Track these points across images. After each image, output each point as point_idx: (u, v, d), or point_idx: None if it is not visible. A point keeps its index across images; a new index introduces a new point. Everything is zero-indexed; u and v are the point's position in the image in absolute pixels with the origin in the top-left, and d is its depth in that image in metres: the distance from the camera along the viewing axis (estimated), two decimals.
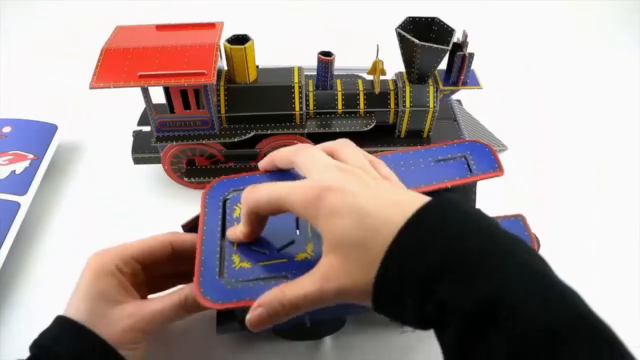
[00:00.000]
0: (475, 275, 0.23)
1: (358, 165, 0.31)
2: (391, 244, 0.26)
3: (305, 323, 0.38)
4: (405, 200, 0.28)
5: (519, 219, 0.40)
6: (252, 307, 0.29)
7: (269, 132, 0.50)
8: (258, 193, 0.31)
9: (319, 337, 0.41)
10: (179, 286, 0.36)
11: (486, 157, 0.38)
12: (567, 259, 0.49)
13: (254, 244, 0.34)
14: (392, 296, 0.26)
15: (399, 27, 0.48)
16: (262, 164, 0.37)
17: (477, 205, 0.40)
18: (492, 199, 0.54)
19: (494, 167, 0.37)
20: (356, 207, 0.27)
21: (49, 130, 0.58)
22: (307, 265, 0.31)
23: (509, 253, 0.24)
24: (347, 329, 0.41)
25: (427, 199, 0.27)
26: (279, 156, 0.35)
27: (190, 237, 0.36)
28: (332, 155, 0.33)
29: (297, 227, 0.35)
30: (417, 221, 0.26)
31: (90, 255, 0.35)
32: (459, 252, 0.24)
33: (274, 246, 0.34)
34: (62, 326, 0.32)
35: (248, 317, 0.29)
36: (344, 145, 0.34)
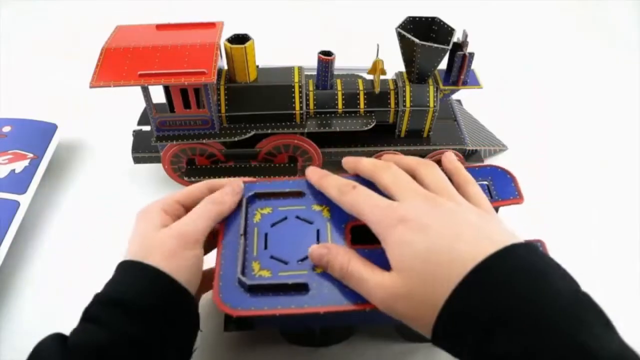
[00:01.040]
0: (534, 330, 0.24)
1: (441, 189, 0.32)
2: (460, 283, 0.26)
3: (315, 331, 0.39)
4: (482, 237, 0.28)
5: (539, 245, 0.40)
6: (321, 245, 0.33)
7: (269, 131, 0.50)
8: (349, 196, 0.33)
9: (326, 344, 0.41)
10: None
11: (507, 184, 0.39)
12: (567, 258, 0.48)
13: (275, 253, 0.34)
14: (454, 334, 0.27)
15: (399, 26, 0.48)
16: (348, 164, 0.38)
17: None
18: None
19: (514, 195, 0.38)
20: (425, 244, 0.28)
21: (49, 129, 0.58)
22: (327, 278, 0.32)
23: (573, 318, 0.25)
24: (353, 337, 0.41)
25: (504, 240, 0.28)
26: (362, 168, 0.36)
27: (225, 181, 0.38)
28: (412, 174, 0.34)
29: (318, 239, 0.34)
30: (489, 266, 0.26)
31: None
32: (524, 306, 0.25)
33: (294, 257, 0.33)
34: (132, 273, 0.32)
35: (314, 247, 0.33)
36: (427, 166, 0.35)
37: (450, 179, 0.34)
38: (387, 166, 0.34)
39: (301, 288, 0.32)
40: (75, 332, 0.30)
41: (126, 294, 0.30)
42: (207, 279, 0.35)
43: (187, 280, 0.32)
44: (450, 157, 0.37)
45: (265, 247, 0.34)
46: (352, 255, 0.32)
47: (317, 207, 0.36)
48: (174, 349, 0.31)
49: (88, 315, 0.30)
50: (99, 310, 0.30)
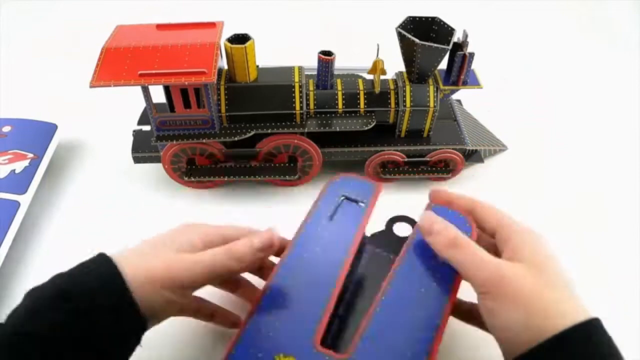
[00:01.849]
0: None
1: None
2: (540, 345, 0.28)
3: None
4: (561, 310, 0.29)
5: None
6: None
7: (269, 131, 0.50)
8: (455, 247, 0.33)
9: None
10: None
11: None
12: (567, 258, 0.48)
13: None
14: None
15: (399, 26, 0.48)
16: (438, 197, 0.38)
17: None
18: (492, 198, 0.54)
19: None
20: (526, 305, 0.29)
21: (49, 129, 0.58)
22: None
23: None
24: None
25: (580, 315, 0.29)
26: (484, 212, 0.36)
27: (265, 235, 0.35)
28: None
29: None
30: (565, 337, 0.28)
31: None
32: None
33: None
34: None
35: (427, 213, 0.35)
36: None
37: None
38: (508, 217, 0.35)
39: None
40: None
41: (75, 286, 0.30)
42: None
43: (147, 306, 0.30)
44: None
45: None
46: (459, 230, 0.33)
47: None
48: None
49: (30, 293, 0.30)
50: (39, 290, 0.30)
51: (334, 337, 0.34)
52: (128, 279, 0.30)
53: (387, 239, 0.42)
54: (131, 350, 0.31)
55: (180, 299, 0.32)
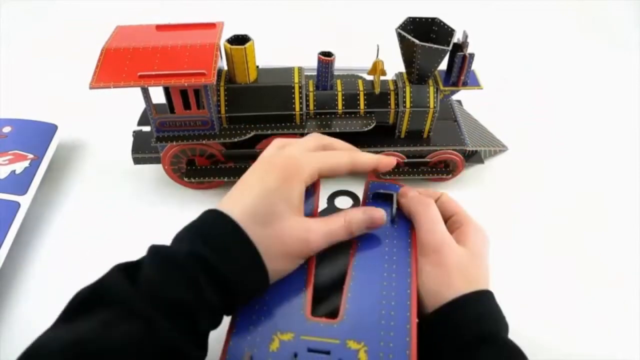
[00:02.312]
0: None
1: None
2: (463, 296, 0.33)
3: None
4: (472, 285, 0.34)
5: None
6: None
7: (269, 132, 0.50)
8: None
9: None
10: (342, 211, 0.37)
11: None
12: (567, 258, 0.49)
13: None
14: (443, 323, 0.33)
15: (399, 27, 0.48)
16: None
17: (479, 203, 0.40)
18: (492, 198, 0.54)
19: None
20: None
21: (49, 130, 0.58)
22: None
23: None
24: None
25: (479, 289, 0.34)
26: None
27: (367, 157, 0.38)
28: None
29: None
30: (460, 299, 0.33)
31: (289, 157, 0.35)
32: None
33: None
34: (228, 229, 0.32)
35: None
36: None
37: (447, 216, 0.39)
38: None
39: None
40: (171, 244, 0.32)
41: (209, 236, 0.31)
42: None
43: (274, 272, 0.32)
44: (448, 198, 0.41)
45: None
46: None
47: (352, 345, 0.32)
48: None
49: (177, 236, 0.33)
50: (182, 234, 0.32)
51: (320, 306, 0.35)
52: (262, 255, 0.31)
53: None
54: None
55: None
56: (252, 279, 0.32)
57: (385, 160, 0.39)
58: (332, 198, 0.46)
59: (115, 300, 0.29)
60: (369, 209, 0.36)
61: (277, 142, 0.38)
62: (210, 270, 0.30)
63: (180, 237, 0.32)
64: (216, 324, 0.32)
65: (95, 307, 0.29)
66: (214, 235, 0.31)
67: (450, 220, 0.38)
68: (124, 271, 0.31)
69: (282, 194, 0.33)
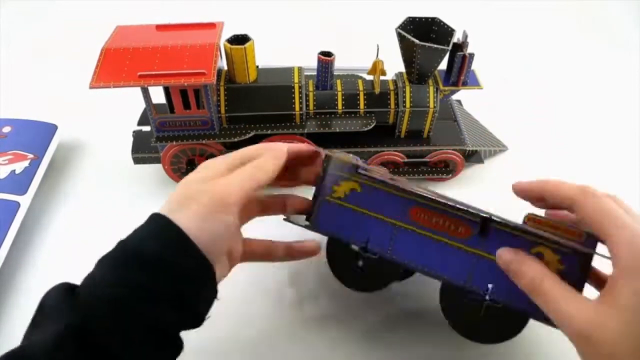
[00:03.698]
0: None
1: None
2: None
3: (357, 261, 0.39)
4: None
5: None
6: (511, 249, 0.32)
7: (269, 132, 0.50)
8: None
9: (368, 290, 0.40)
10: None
11: None
12: None
13: None
14: None
15: (399, 27, 0.48)
16: (521, 187, 0.35)
17: (479, 203, 0.39)
18: (492, 198, 0.54)
19: None
20: None
21: (49, 130, 0.58)
22: None
23: None
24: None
25: None
26: (553, 189, 0.32)
27: (277, 146, 0.37)
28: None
29: None
30: None
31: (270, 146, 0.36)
32: None
33: None
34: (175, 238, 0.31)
35: (504, 250, 0.33)
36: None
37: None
38: (591, 192, 0.32)
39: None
40: (87, 277, 0.31)
41: (143, 246, 0.31)
42: (248, 249, 0.37)
43: (209, 244, 0.31)
44: None
45: None
46: (547, 271, 0.30)
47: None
48: (175, 306, 0.30)
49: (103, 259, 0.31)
50: (113, 255, 0.31)
51: None
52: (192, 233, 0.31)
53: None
54: (209, 301, 0.32)
55: (232, 216, 0.32)
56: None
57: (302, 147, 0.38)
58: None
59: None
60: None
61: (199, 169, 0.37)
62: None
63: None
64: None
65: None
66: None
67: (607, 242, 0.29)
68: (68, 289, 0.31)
69: (218, 232, 0.32)
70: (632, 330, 0.25)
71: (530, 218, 0.34)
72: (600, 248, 0.32)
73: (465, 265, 0.35)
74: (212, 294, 0.32)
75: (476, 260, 0.35)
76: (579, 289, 0.33)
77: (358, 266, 0.39)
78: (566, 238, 0.33)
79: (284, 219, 0.40)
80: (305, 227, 0.39)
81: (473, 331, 0.37)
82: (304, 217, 0.39)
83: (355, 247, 0.38)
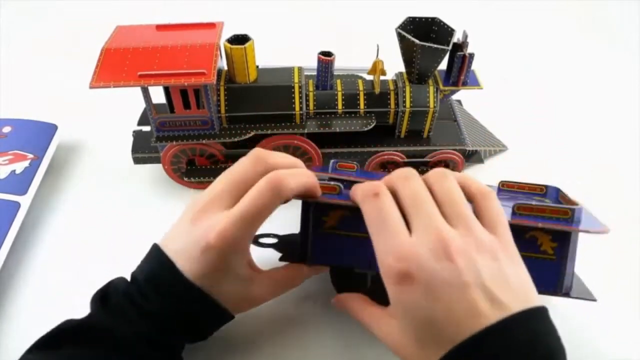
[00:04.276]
0: None
1: (457, 214, 0.29)
2: (463, 342, 0.26)
3: (365, 280, 0.39)
4: (485, 300, 0.26)
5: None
6: None
7: (269, 132, 0.50)
8: (366, 205, 0.31)
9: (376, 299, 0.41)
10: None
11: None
12: None
13: None
14: None
15: (399, 27, 0.48)
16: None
17: None
18: None
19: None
20: (426, 312, 0.27)
21: (49, 130, 0.58)
22: None
23: None
24: None
25: (508, 303, 0.26)
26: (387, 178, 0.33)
27: (295, 183, 0.34)
28: (429, 187, 0.31)
29: None
30: (494, 332, 0.26)
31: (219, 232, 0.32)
32: None
33: None
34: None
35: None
36: (443, 179, 0.31)
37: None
38: (408, 177, 0.31)
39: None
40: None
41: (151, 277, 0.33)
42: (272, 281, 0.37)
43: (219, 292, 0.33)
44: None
45: None
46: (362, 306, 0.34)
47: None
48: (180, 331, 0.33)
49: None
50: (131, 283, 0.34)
51: None
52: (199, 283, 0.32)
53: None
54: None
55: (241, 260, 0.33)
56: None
57: (311, 181, 0.34)
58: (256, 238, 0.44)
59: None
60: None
61: (192, 204, 0.35)
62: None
63: (141, 288, 0.33)
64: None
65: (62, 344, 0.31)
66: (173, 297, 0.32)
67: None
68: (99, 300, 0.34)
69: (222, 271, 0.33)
70: (407, 332, 0.29)
71: (503, 184, 0.41)
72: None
73: None
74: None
75: None
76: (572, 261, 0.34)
77: (367, 287, 0.39)
78: (555, 219, 0.33)
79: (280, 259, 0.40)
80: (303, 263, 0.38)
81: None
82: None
83: (358, 270, 0.39)
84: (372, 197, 0.30)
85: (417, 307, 0.27)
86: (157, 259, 0.33)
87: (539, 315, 0.27)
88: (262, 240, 0.43)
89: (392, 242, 0.28)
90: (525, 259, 0.30)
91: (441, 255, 0.27)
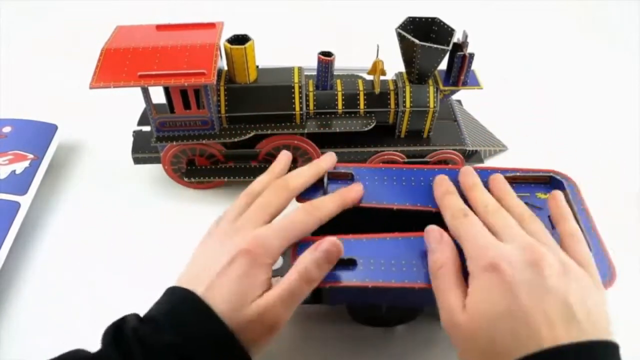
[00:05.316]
0: None
1: (541, 236, 0.31)
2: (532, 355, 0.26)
3: (381, 308, 0.39)
4: (561, 320, 0.26)
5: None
6: (439, 230, 0.34)
7: (269, 132, 0.50)
8: (457, 222, 0.34)
9: (390, 324, 0.42)
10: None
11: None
12: None
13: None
14: None
15: (399, 27, 0.48)
16: (464, 180, 0.39)
17: None
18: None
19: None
20: (503, 307, 0.28)
21: (49, 130, 0.58)
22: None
23: None
24: (420, 320, 0.42)
25: (582, 330, 0.26)
26: (471, 196, 0.36)
27: (331, 207, 0.36)
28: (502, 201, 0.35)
29: (552, 226, 0.35)
30: (567, 352, 0.25)
31: (254, 238, 0.33)
32: None
33: None
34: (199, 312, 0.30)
35: (434, 227, 0.34)
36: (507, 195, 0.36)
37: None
38: (496, 208, 0.34)
39: (351, 263, 0.33)
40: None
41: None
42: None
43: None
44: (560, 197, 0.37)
45: None
46: (451, 260, 0.32)
47: (541, 195, 0.39)
48: None
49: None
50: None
51: None
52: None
53: None
54: None
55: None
56: None
57: (352, 194, 0.37)
58: None
59: None
60: (318, 243, 0.32)
61: (227, 215, 0.36)
62: None
63: (158, 325, 0.30)
64: None
65: None
66: (197, 332, 0.29)
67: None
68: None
69: (251, 281, 0.31)
70: (474, 336, 0.28)
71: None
72: None
73: None
74: None
75: None
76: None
77: (382, 314, 0.40)
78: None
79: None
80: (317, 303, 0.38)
81: (376, 322, 0.41)
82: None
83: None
84: (462, 217, 0.34)
85: (495, 299, 0.28)
86: (183, 299, 0.31)
87: (612, 351, 0.27)
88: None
89: (488, 246, 0.31)
90: None
91: (532, 262, 0.28)
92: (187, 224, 0.42)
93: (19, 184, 0.51)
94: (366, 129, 0.50)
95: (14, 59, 0.75)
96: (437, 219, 0.36)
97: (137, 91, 0.46)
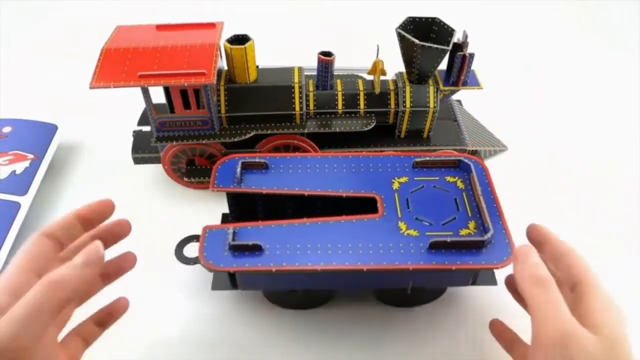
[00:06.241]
0: None
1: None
2: None
3: (297, 293, 0.41)
4: None
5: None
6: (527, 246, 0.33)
7: (269, 132, 0.50)
8: (537, 291, 0.31)
9: (306, 307, 0.43)
10: None
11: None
12: None
13: (418, 214, 0.38)
14: None
15: (399, 27, 0.48)
16: (534, 235, 0.37)
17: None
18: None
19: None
20: None
21: (49, 130, 0.58)
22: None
23: None
24: (338, 301, 0.43)
25: None
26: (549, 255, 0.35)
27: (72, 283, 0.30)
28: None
29: (457, 208, 0.38)
30: None
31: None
32: None
33: (437, 219, 0.37)
34: None
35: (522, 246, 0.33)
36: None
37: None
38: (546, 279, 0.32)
39: (256, 249, 0.35)
40: None
41: None
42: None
43: None
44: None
45: (409, 208, 0.38)
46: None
47: (450, 179, 0.41)
48: None
49: None
50: None
51: None
52: None
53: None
54: None
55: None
56: None
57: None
58: (180, 247, 0.42)
59: None
60: (84, 250, 0.30)
61: None
62: None
63: None
64: None
65: None
66: None
67: (576, 289, 0.31)
68: None
69: None
70: (602, 350, 0.27)
71: (417, 163, 0.41)
72: None
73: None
74: None
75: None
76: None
77: (298, 296, 0.41)
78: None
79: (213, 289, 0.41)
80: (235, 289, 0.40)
81: (402, 302, 0.43)
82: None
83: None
84: (543, 285, 0.31)
85: None
86: None
87: None
88: (188, 254, 0.41)
89: (561, 314, 0.29)
90: None
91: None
92: (187, 223, 0.42)
93: (19, 184, 0.51)
94: (366, 129, 0.50)
95: (14, 59, 0.75)
96: (348, 203, 0.38)
97: (137, 91, 0.46)
